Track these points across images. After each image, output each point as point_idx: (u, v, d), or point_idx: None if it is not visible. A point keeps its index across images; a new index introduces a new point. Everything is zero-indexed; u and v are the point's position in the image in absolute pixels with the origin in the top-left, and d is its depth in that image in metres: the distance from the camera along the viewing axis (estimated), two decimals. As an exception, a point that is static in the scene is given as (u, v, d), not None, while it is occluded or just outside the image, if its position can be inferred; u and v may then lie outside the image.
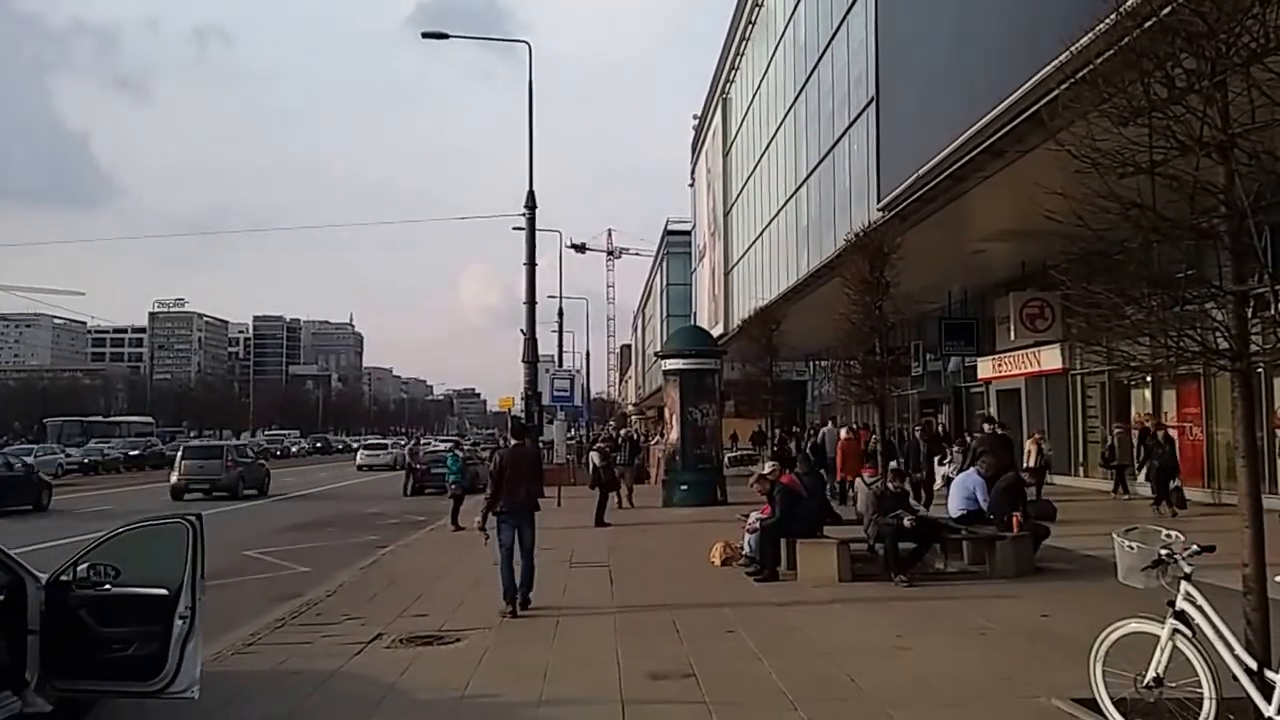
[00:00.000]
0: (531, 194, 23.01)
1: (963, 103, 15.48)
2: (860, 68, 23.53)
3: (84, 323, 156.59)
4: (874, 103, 22.06)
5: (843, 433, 20.62)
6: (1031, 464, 18.47)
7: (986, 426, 16.83)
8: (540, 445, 21.20)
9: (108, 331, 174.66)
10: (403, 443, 61.58)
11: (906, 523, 10.67)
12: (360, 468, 47.92)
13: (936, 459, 20.38)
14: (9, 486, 24.45)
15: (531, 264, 23.45)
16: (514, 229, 24.86)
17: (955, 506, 12.08)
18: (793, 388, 38.85)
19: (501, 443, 25.30)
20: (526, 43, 24.59)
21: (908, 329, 27.70)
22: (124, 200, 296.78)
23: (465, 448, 30.71)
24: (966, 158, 14.74)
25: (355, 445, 73.70)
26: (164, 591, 5.75)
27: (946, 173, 15.69)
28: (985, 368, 24.07)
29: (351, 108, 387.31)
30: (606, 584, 11.29)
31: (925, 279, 21.03)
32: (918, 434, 21.65)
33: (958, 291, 25.86)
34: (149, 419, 77.52)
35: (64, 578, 5.91)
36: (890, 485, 11.36)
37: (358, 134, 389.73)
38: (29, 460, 31.87)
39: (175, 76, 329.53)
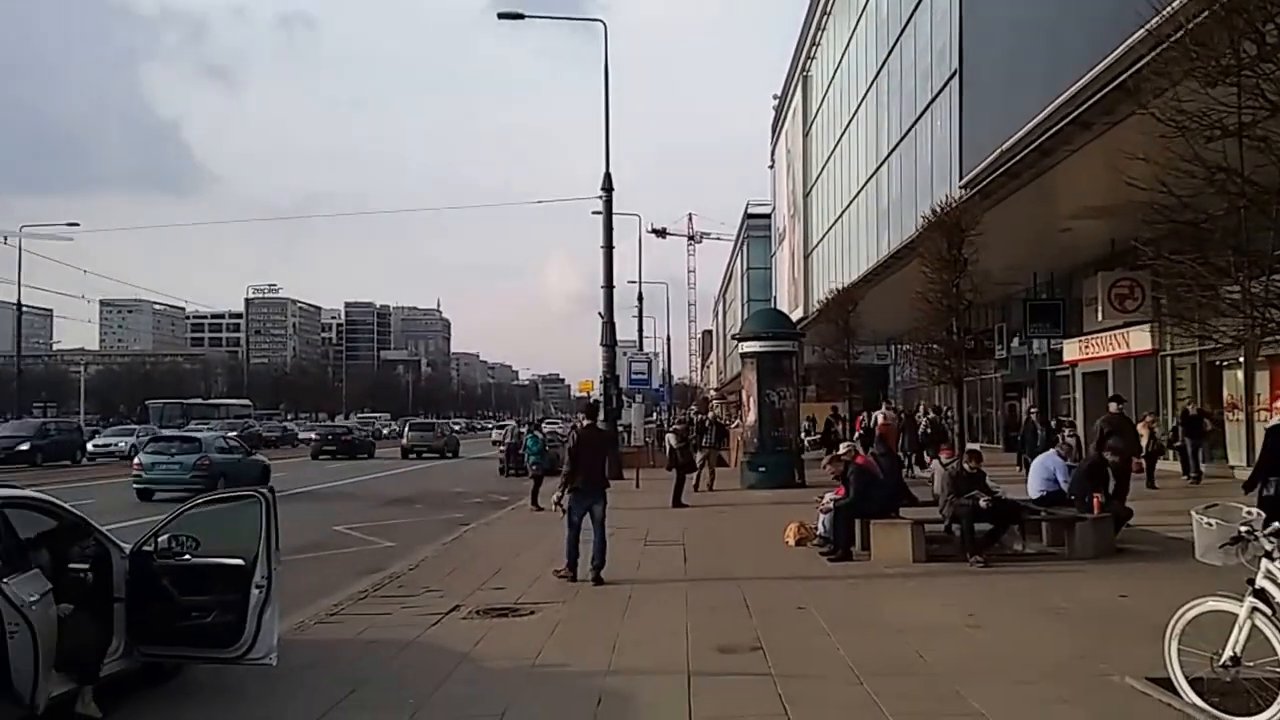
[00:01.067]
0: (608, 176, 23.10)
1: (1049, 73, 15.02)
2: (944, 40, 22.98)
3: (182, 309, 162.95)
4: (957, 76, 21.55)
5: (881, 415, 20.22)
6: (1145, 448, 17.91)
7: (1113, 406, 16.25)
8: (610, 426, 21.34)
9: (205, 317, 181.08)
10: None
11: (983, 503, 10.51)
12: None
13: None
14: (358, 443, 42.88)
15: (609, 247, 23.58)
16: (593, 213, 25.01)
17: (1035, 488, 11.82)
18: (874, 371, 38.33)
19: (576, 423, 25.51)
20: (602, 21, 24.55)
21: (991, 312, 27.09)
22: (218, 187, 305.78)
23: (545, 430, 31.12)
24: (1054, 129, 14.32)
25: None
26: (240, 562, 5.96)
27: (1032, 146, 15.26)
28: (1072, 350, 23.44)
29: (435, 92, 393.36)
30: (680, 561, 11.37)
31: (1009, 259, 20.53)
32: (1033, 416, 21.14)
33: (1044, 272, 25.18)
34: (247, 402, 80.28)
35: (146, 548, 6.15)
36: (966, 466, 11.19)
37: (441, 118, 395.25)
38: (367, 429, 59.53)
39: (263, 64, 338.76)
